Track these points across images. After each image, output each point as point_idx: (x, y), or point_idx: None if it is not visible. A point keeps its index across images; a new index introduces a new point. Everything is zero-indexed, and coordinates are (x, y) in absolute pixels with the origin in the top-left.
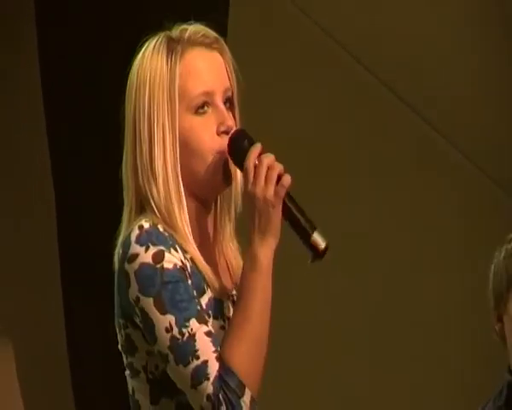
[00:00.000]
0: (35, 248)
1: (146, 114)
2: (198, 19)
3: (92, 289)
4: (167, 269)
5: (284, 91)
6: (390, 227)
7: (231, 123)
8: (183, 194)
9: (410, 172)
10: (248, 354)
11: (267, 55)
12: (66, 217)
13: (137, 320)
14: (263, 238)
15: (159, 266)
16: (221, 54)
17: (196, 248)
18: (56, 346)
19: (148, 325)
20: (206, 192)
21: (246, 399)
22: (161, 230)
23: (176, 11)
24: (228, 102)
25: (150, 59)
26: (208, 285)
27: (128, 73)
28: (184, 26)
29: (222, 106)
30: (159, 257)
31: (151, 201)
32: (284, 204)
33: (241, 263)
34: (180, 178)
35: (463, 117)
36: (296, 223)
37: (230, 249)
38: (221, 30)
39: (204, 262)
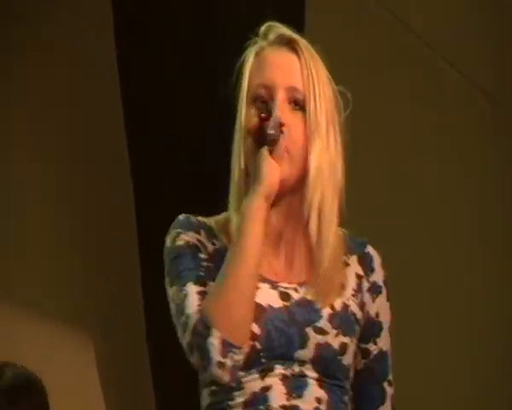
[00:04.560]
0: (116, 246)
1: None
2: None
3: None
4: (179, 246)
5: (371, 86)
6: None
7: (278, 115)
8: (242, 186)
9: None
10: (219, 299)
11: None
12: (145, 213)
13: None
14: (252, 189)
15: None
16: (297, 55)
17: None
18: (136, 342)
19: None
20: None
21: (212, 340)
22: (193, 219)
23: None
24: (294, 102)
25: (247, 51)
26: None
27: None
28: (269, 24)
29: (279, 102)
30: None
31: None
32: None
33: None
34: (241, 172)
35: None
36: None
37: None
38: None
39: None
